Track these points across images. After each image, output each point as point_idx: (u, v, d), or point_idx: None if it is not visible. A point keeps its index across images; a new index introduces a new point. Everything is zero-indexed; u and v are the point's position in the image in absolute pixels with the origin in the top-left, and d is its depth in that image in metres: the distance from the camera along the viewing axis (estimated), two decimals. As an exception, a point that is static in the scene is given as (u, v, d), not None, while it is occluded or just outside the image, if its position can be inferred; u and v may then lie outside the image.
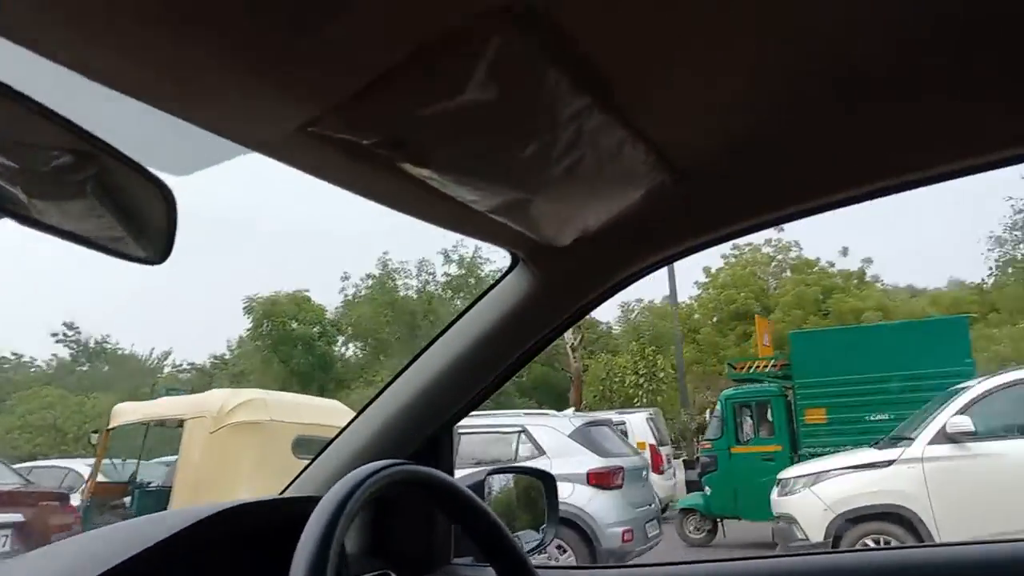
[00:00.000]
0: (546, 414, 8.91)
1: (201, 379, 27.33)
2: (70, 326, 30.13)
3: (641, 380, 21.14)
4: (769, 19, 0.77)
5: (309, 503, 0.97)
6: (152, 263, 0.73)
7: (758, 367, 11.95)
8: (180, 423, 6.98)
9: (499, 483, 1.91)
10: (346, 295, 28.57)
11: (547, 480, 1.69)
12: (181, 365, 30.98)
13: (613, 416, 13.27)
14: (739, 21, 0.77)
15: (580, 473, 7.00)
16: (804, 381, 10.44)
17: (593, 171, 0.89)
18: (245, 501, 1.00)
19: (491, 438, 7.49)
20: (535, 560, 1.00)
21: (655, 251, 1.14)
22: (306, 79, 0.69)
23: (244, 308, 26.33)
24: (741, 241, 26.02)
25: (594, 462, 7.21)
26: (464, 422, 1.39)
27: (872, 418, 9.56)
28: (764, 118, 0.94)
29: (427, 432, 1.27)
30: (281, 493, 1.31)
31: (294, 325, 26.08)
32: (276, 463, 5.80)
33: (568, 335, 18.48)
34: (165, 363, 30.98)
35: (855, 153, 0.99)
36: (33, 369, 30.08)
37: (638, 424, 13.34)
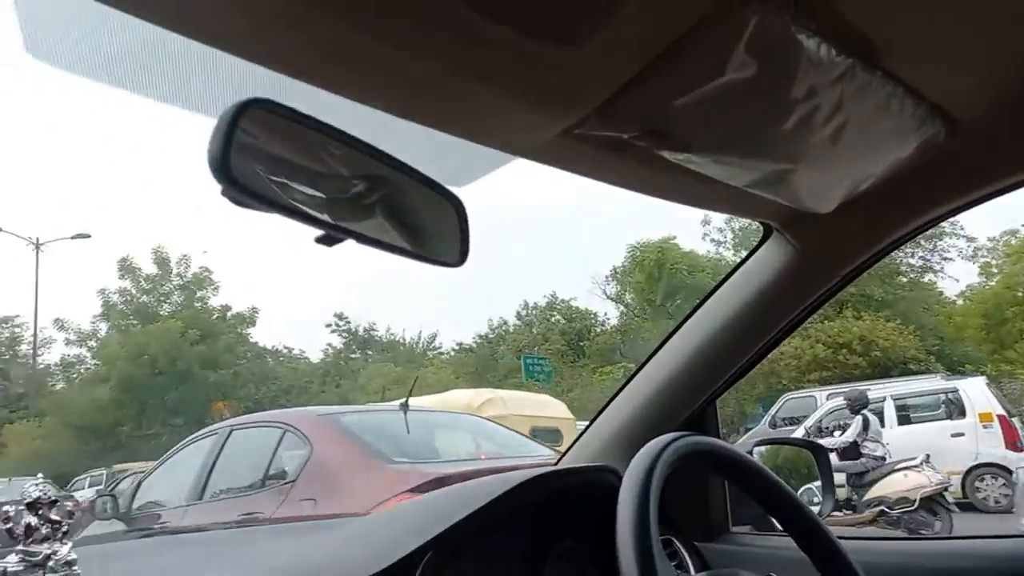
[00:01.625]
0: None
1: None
2: (340, 316, 32.35)
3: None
4: None
5: (600, 472, 1.06)
6: (453, 265, 0.84)
7: None
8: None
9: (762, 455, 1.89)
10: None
11: (819, 452, 1.64)
12: (440, 347, 32.74)
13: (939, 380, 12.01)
14: None
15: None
16: None
17: (858, 133, 0.86)
18: (545, 470, 1.11)
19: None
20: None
21: (925, 211, 1.06)
22: (566, 86, 0.75)
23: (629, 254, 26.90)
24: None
25: None
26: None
27: None
28: None
29: (692, 406, 1.30)
30: (556, 463, 1.42)
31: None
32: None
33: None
34: (433, 345, 32.68)
35: None
36: (304, 359, 32.48)
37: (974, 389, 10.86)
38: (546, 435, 7.16)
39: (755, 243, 1.23)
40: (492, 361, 28.41)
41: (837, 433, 8.87)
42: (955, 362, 19.96)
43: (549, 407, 8.51)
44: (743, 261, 1.23)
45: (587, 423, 1.44)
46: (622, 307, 28.60)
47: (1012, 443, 9.99)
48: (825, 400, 12.60)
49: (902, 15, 0.77)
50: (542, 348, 27.24)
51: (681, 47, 0.72)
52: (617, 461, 1.27)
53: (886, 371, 17.77)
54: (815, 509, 1.61)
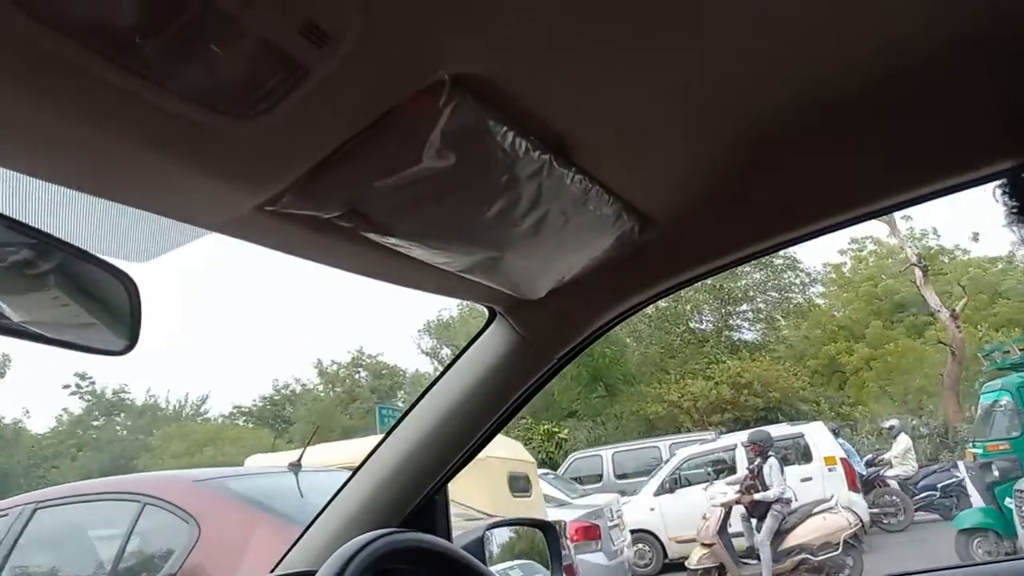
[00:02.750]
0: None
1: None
2: (83, 376, 26.77)
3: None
4: (712, 77, 0.80)
5: None
6: (118, 353, 0.72)
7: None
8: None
9: (502, 537, 1.89)
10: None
11: (548, 530, 1.67)
12: (207, 412, 29.02)
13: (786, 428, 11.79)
14: (685, 76, 0.79)
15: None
16: None
17: (559, 225, 0.90)
18: None
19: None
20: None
21: (630, 296, 1.14)
22: (256, 161, 0.70)
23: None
24: (859, 234, 23.39)
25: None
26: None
27: None
28: (721, 164, 0.96)
29: (419, 495, 1.26)
30: (272, 570, 1.29)
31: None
32: (500, 497, 5.77)
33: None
34: (204, 407, 28.75)
35: (805, 192, 1.00)
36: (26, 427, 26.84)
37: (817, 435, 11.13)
38: (515, 483, 6.28)
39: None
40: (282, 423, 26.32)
41: (719, 482, 8.66)
42: (838, 403, 20.85)
43: (515, 448, 7.14)
44: (468, 345, 1.23)
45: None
46: (436, 362, 28.04)
47: (852, 484, 10.33)
48: (668, 451, 12.41)
49: (593, 118, 0.82)
50: (353, 407, 25.90)
51: (378, 130, 0.70)
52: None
53: (780, 412, 18.15)
54: None
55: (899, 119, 0.89)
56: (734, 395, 18.89)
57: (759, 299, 22.28)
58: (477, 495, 5.06)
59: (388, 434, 1.27)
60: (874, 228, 21.70)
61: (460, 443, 1.25)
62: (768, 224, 1.02)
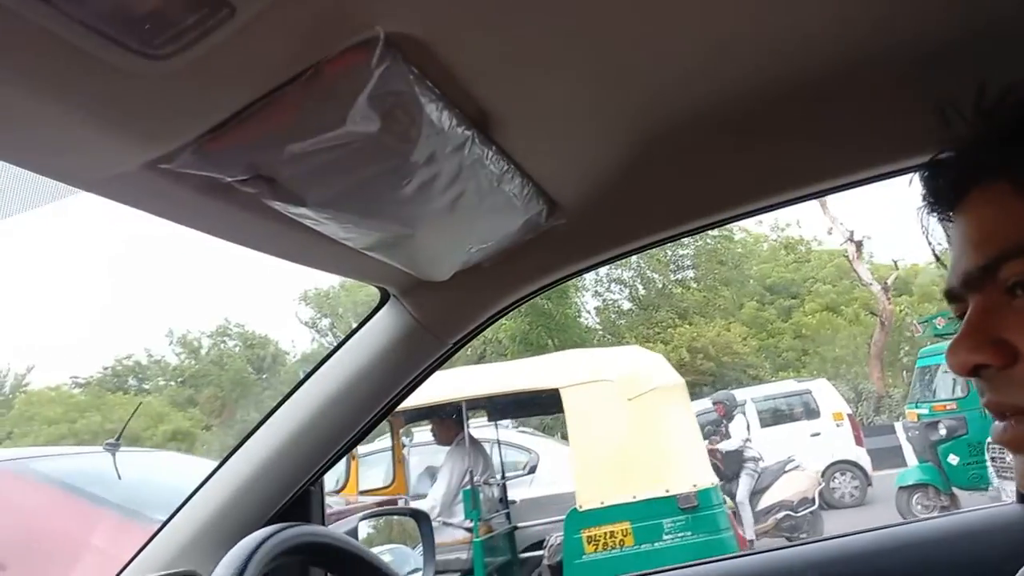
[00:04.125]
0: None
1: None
2: None
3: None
4: (626, 65, 0.80)
5: None
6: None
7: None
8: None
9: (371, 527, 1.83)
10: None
11: (421, 519, 1.63)
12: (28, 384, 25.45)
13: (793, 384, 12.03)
14: (603, 61, 0.78)
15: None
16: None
17: (474, 204, 0.86)
18: None
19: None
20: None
21: (530, 281, 1.12)
22: (159, 109, 0.61)
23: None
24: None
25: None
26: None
27: None
28: (629, 153, 0.97)
29: (295, 487, 1.18)
30: (125, 567, 1.16)
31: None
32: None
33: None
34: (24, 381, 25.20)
35: (711, 183, 1.03)
36: None
37: (824, 391, 11.43)
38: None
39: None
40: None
41: (714, 438, 8.35)
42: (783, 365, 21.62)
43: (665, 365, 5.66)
44: (356, 329, 1.16)
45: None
46: (315, 332, 26.95)
47: (858, 439, 10.63)
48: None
49: (516, 96, 0.80)
50: (222, 376, 24.27)
51: (300, 86, 0.63)
52: (206, 561, 1.08)
53: (731, 378, 18.61)
54: None
55: (816, 109, 0.93)
56: (691, 359, 19.39)
57: (702, 268, 22.54)
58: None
59: (263, 421, 1.18)
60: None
61: (342, 432, 1.18)
62: (672, 213, 1.05)
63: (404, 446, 6.27)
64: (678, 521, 4.32)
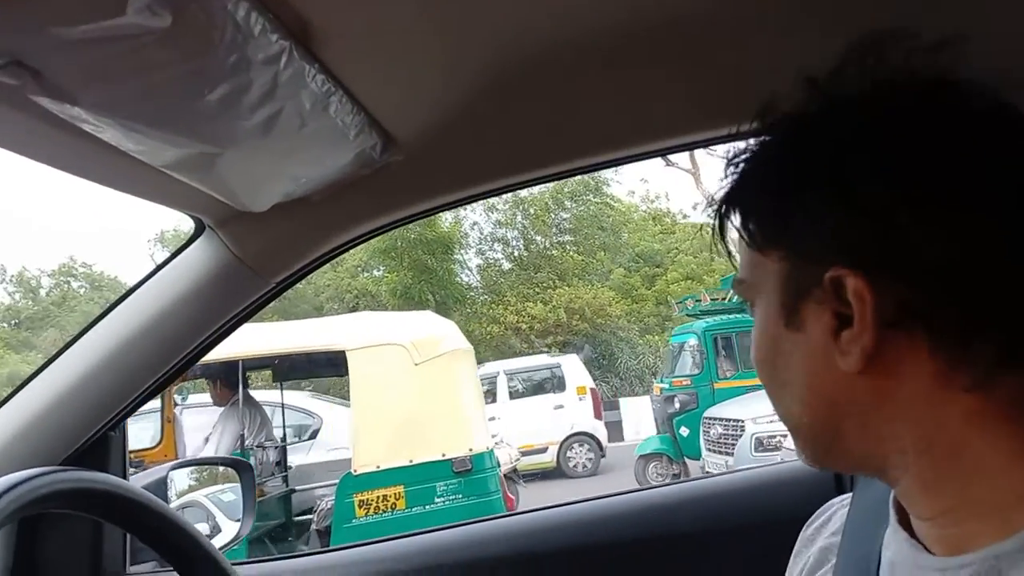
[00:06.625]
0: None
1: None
2: None
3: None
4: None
5: None
6: None
7: (726, 298, 10.72)
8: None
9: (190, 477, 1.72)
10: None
11: (242, 469, 1.55)
12: None
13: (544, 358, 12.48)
14: None
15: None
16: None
17: (294, 127, 0.78)
18: None
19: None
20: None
21: (365, 220, 1.06)
22: None
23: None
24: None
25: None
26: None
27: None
28: (470, 93, 0.91)
29: (92, 429, 1.07)
30: None
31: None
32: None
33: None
34: None
35: (567, 126, 0.99)
36: None
37: (572, 366, 11.97)
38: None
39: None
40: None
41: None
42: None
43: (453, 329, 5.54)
44: (167, 260, 1.05)
45: None
46: None
47: (598, 412, 11.14)
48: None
49: (344, 9, 0.72)
50: (70, 318, 22.02)
51: None
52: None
53: (602, 339, 19.12)
54: (233, 528, 1.51)
55: (643, 72, 0.90)
56: (567, 319, 19.59)
57: (583, 232, 22.57)
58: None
59: (59, 353, 1.05)
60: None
61: (147, 372, 1.08)
62: (521, 157, 1.00)
63: (176, 404, 5.94)
64: (451, 484, 4.39)
